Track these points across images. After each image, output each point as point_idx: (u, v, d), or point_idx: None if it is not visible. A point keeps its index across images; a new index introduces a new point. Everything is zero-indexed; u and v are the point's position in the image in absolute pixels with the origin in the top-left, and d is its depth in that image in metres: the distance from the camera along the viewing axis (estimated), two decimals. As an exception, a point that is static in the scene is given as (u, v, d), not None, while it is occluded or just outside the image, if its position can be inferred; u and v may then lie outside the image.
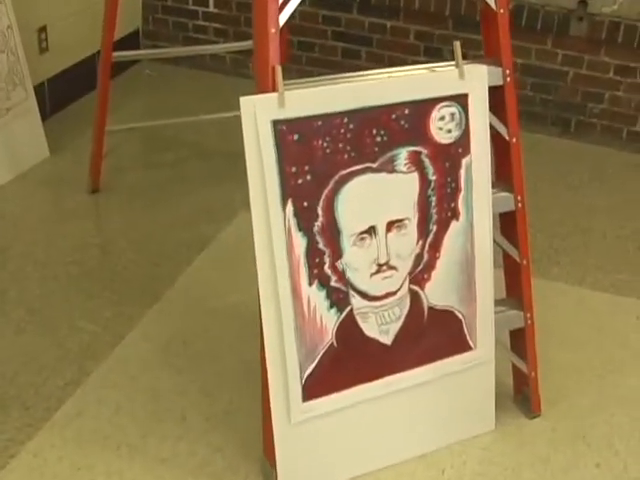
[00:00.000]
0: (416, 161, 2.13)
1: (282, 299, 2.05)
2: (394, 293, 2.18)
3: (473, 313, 2.29)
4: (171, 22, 4.68)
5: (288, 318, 2.06)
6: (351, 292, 2.13)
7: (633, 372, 2.71)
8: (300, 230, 2.04)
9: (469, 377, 2.34)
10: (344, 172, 2.06)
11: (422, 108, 2.12)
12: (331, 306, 2.11)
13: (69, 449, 2.32)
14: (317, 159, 2.02)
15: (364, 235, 2.10)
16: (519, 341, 2.47)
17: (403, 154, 2.11)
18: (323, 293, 2.10)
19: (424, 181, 2.15)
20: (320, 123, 2.01)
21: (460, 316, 2.27)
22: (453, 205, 2.21)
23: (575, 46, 4.05)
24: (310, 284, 2.08)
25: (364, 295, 2.14)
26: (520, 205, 2.33)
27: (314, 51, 4.48)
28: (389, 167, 2.10)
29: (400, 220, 2.14)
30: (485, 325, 2.31)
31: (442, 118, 2.15)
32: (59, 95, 4.06)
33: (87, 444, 2.34)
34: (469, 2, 4.04)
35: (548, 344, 2.73)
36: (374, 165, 2.08)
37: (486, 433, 2.43)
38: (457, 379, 2.32)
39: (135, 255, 3.14)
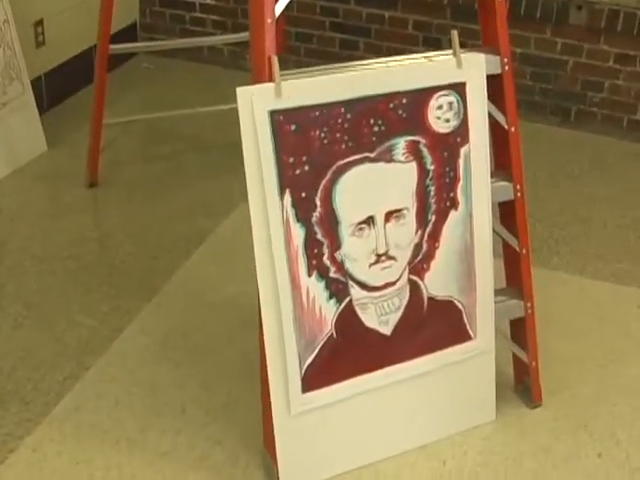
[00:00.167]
0: (414, 151, 2.12)
1: (281, 290, 2.04)
2: (393, 283, 2.16)
3: (473, 303, 2.27)
4: (168, 15, 4.67)
5: (287, 309, 2.05)
6: (350, 283, 2.12)
7: (635, 362, 2.70)
8: (298, 221, 2.02)
9: (469, 367, 2.33)
10: (342, 162, 2.04)
11: (420, 97, 2.11)
12: (330, 297, 2.10)
13: (68, 444, 2.31)
14: (315, 149, 2.01)
15: (363, 225, 2.09)
16: (519, 331, 2.46)
17: (401, 144, 2.10)
18: (322, 284, 2.09)
19: (422, 171, 2.14)
20: (317, 113, 2.00)
21: (460, 306, 2.26)
22: (452, 195, 2.19)
23: (574, 35, 4.03)
24: (309, 275, 2.06)
25: (363, 286, 2.13)
26: (519, 194, 2.32)
27: (312, 42, 4.46)
28: (387, 157, 2.09)
29: (399, 210, 2.12)
30: (485, 315, 2.30)
31: (440, 107, 2.13)
32: (56, 89, 4.04)
33: (86, 438, 2.33)
34: (467, -9, 4.03)
35: (549, 334, 2.72)
36: (372, 155, 2.07)
37: (487, 423, 2.42)
38: (457, 369, 2.31)
39: (133, 249, 3.13)
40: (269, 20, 1.97)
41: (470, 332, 2.30)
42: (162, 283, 2.94)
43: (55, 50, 4.04)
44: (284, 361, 2.08)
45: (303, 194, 2.02)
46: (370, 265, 2.13)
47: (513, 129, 2.28)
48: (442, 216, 2.19)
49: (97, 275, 2.98)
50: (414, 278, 2.19)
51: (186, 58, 4.61)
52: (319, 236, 2.05)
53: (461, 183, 2.19)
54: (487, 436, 2.39)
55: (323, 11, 4.37)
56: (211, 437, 2.35)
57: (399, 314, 2.19)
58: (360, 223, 2.09)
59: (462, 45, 2.15)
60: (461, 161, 2.18)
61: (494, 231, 2.31)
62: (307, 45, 4.47)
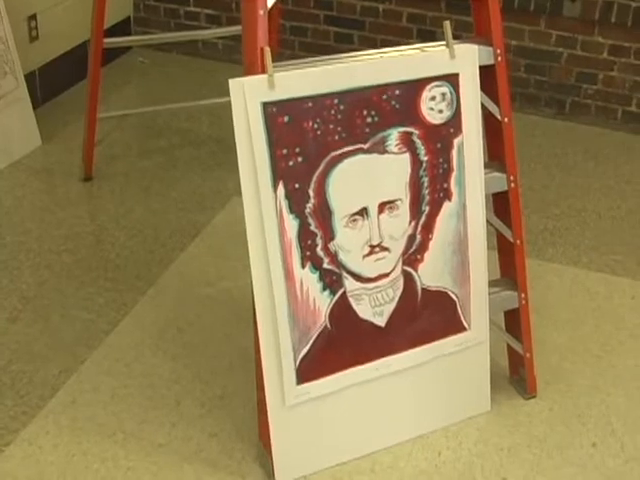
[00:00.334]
0: (407, 142, 2.12)
1: (275, 282, 2.04)
2: (387, 275, 2.17)
3: (467, 294, 2.28)
4: (162, 9, 4.66)
5: (281, 301, 2.05)
6: (344, 274, 2.12)
7: (629, 352, 2.71)
8: (292, 212, 2.02)
9: (464, 358, 2.33)
10: (335, 153, 2.04)
11: (413, 88, 2.11)
12: (324, 288, 2.10)
13: (64, 436, 2.31)
14: (308, 141, 2.01)
15: (356, 217, 2.09)
16: (514, 322, 2.47)
17: (394, 135, 2.10)
18: (316, 275, 2.09)
19: (416, 162, 2.14)
20: (310, 104, 2.00)
21: (454, 297, 2.27)
22: (445, 186, 2.19)
23: (569, 27, 4.03)
24: (303, 266, 2.07)
25: (357, 277, 2.13)
26: (513, 185, 2.32)
27: (306, 36, 4.45)
28: (380, 148, 2.09)
29: (392, 201, 2.13)
30: (479, 306, 2.31)
31: (433, 98, 2.14)
32: (51, 83, 4.04)
33: (82, 431, 2.33)
34: (461, -16, 4.03)
35: (544, 325, 2.73)
36: (365, 146, 2.07)
37: (482, 414, 2.43)
38: (452, 360, 2.31)
39: (128, 242, 3.13)
40: (261, 11, 1.97)
41: (464, 323, 2.30)
42: (157, 276, 2.94)
43: (49, 44, 4.03)
44: (278, 353, 2.08)
45: (296, 185, 2.02)
46: (364, 256, 2.13)
47: (506, 120, 2.28)
48: (436, 207, 2.19)
49: (92, 268, 2.98)
50: (408, 269, 2.19)
51: (181, 52, 4.61)
52: (313, 227, 2.06)
53: (454, 174, 2.19)
54: (482, 427, 2.40)
55: (317, 4, 4.37)
56: (206, 429, 2.35)
57: (393, 305, 2.20)
58: (354, 214, 2.09)
59: (456, 37, 2.15)
60: (454, 152, 2.18)
61: (488, 222, 2.31)
62: (301, 39, 4.46)
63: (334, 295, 2.12)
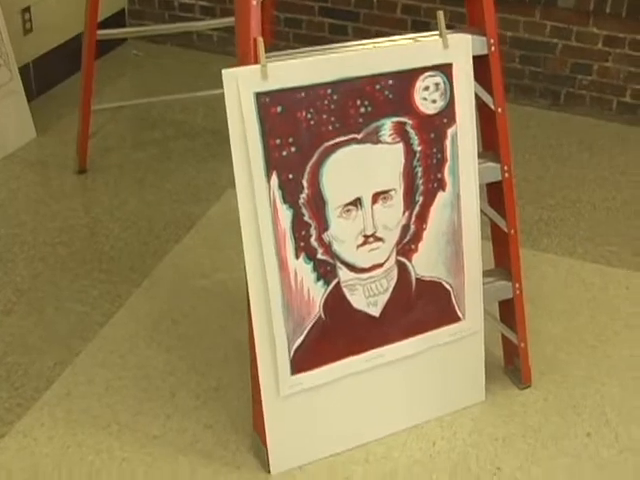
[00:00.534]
0: (401, 132, 2.12)
1: (269, 272, 2.04)
2: (381, 265, 2.16)
3: (461, 284, 2.28)
4: (156, 1, 4.65)
5: (275, 291, 2.05)
6: (338, 264, 2.12)
7: (624, 342, 2.71)
8: (285, 202, 2.02)
9: (458, 348, 2.33)
10: (329, 143, 2.04)
11: (406, 78, 2.11)
12: (318, 279, 2.10)
13: (59, 428, 2.31)
14: (301, 131, 2.01)
15: (350, 207, 2.09)
16: (508, 312, 2.47)
17: (388, 125, 2.10)
18: (310, 266, 2.09)
19: (409, 152, 2.14)
20: (303, 94, 2.00)
21: (448, 287, 2.26)
22: (439, 176, 2.19)
23: (563, 17, 4.02)
24: (297, 257, 2.06)
25: (351, 267, 2.13)
26: (507, 175, 2.32)
27: (301, 28, 4.45)
28: (374, 138, 2.09)
29: (386, 191, 2.12)
30: (474, 296, 2.31)
31: (427, 88, 2.13)
32: (45, 76, 4.03)
33: (77, 423, 2.33)
34: (456, -25, 4.02)
35: (538, 315, 2.74)
36: (359, 136, 2.07)
37: (476, 404, 2.43)
38: (446, 350, 2.31)
39: (123, 234, 3.12)
40: (254, 2, 1.97)
41: (459, 313, 2.30)
42: (152, 268, 2.94)
43: (43, 37, 4.02)
44: (273, 343, 2.08)
45: (290, 176, 2.01)
46: (358, 246, 2.13)
47: (500, 110, 2.28)
48: (430, 197, 2.19)
49: (87, 261, 2.98)
50: (402, 259, 2.19)
51: (175, 44, 4.60)
52: (306, 218, 2.05)
53: (448, 164, 2.19)
54: (477, 417, 2.40)
55: (312, -4, 4.37)
56: (201, 421, 2.35)
57: (387, 295, 2.19)
58: (347, 204, 2.09)
59: (450, 28, 2.15)
60: (448, 142, 2.18)
61: (482, 212, 2.31)
62: (296, 30, 4.46)
63: (328, 285, 2.12)
